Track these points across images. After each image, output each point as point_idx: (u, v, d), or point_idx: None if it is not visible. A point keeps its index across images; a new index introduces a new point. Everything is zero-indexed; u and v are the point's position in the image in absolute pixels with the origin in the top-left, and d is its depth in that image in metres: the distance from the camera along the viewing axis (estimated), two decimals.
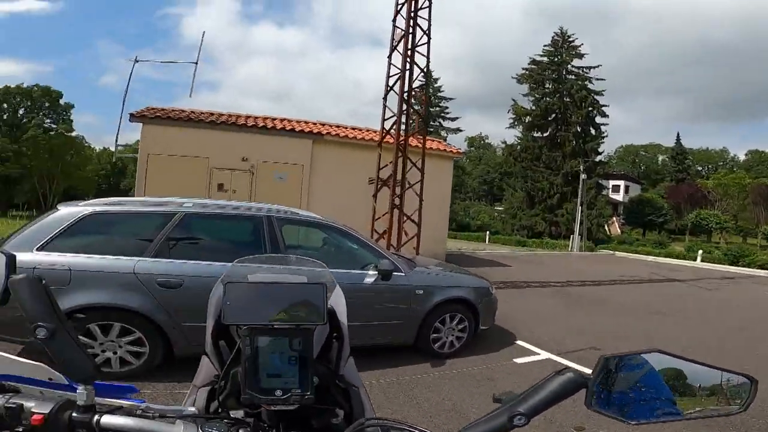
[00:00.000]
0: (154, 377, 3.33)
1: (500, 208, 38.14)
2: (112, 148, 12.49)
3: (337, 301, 0.99)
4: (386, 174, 9.58)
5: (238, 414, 0.81)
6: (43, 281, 0.67)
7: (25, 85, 37.77)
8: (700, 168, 61.56)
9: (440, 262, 6.25)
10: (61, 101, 39.45)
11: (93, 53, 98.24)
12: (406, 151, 9.42)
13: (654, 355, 0.63)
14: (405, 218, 9.36)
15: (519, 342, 5.16)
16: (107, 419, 0.63)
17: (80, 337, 2.93)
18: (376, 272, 3.72)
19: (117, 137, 11.26)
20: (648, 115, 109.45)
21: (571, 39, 31.07)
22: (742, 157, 65.34)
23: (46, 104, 38.53)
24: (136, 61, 12.57)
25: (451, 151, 13.41)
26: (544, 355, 4.80)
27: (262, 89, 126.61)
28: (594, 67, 30.54)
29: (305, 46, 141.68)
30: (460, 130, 40.14)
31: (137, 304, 3.24)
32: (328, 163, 11.21)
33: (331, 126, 12.18)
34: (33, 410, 0.61)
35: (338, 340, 0.96)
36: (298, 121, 11.97)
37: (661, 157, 64.26)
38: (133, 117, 10.20)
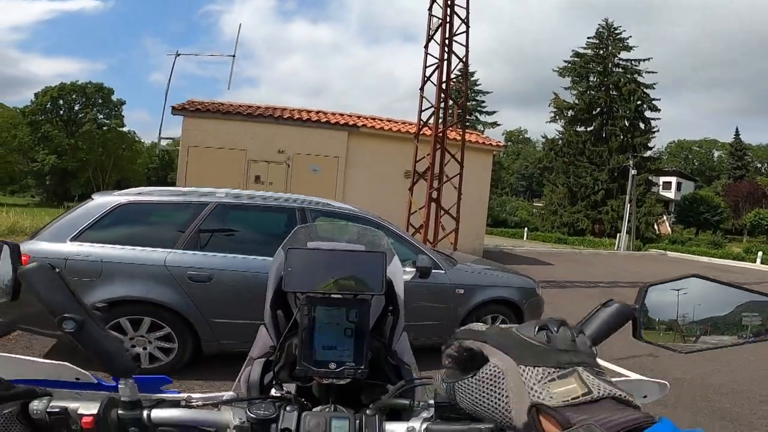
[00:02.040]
0: (179, 375, 3.23)
1: (539, 205, 37.29)
2: (162, 143, 13.06)
3: (395, 273, 0.91)
4: (423, 167, 9.41)
5: (291, 387, 0.80)
6: (57, 270, 0.61)
7: (79, 82, 40.00)
8: (760, 165, 57.56)
9: (479, 258, 5.93)
10: (113, 98, 41.55)
11: (141, 52, 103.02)
12: (444, 143, 9.18)
13: (692, 281, 0.63)
14: (442, 212, 9.11)
15: None
16: (157, 413, 0.60)
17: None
18: (414, 269, 3.47)
19: (160, 129, 11.77)
20: (702, 110, 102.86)
21: (617, 31, 30.09)
22: None
23: (100, 100, 40.64)
24: (178, 55, 13.03)
25: (491, 143, 13.14)
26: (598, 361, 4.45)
27: (299, 85, 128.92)
28: (644, 60, 29.37)
29: (339, 42, 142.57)
30: (498, 125, 39.76)
31: (168, 298, 3.16)
32: (363, 155, 11.23)
33: (366, 118, 12.19)
34: (80, 412, 0.57)
35: (393, 314, 0.90)
36: (333, 114, 12.04)
37: (716, 153, 60.59)
38: (175, 110, 10.61)
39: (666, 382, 0.84)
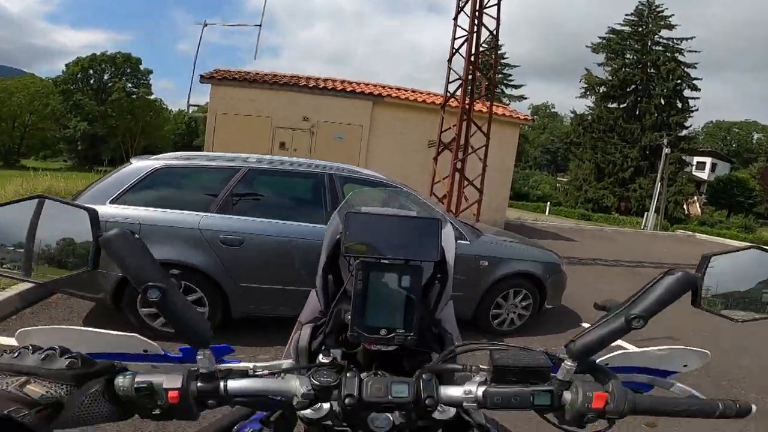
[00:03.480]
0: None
1: (563, 179, 36.69)
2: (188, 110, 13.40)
3: (448, 240, 0.90)
4: (447, 138, 9.32)
5: (337, 353, 0.79)
6: (137, 236, 0.60)
7: (108, 53, 40.84)
8: None
9: (501, 230, 5.89)
10: (141, 67, 42.25)
11: (166, 22, 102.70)
12: (471, 115, 9.03)
13: (751, 252, 0.66)
14: (466, 183, 9.05)
15: (585, 325, 4.73)
16: (233, 384, 0.61)
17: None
18: None
19: (189, 97, 12.02)
20: (745, 92, 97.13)
21: (659, 9, 28.90)
22: None
23: (128, 70, 41.55)
24: (205, 24, 13.09)
25: (518, 117, 12.84)
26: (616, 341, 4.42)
27: (321, 53, 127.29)
28: (686, 39, 28.23)
29: (362, 11, 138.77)
30: (524, 98, 38.70)
31: (200, 262, 3.23)
32: (387, 124, 11.22)
33: (391, 88, 12.06)
34: (165, 386, 0.57)
35: (441, 282, 0.89)
36: (358, 83, 11.96)
37: (756, 135, 58.38)
38: (203, 78, 10.75)
39: (707, 351, 0.85)
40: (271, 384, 0.64)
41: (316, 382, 0.61)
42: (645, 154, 26.30)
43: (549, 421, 0.67)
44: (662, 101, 27.31)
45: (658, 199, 20.70)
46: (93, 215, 0.60)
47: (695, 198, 32.24)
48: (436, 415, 0.66)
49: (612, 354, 0.80)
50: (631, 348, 0.79)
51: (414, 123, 11.14)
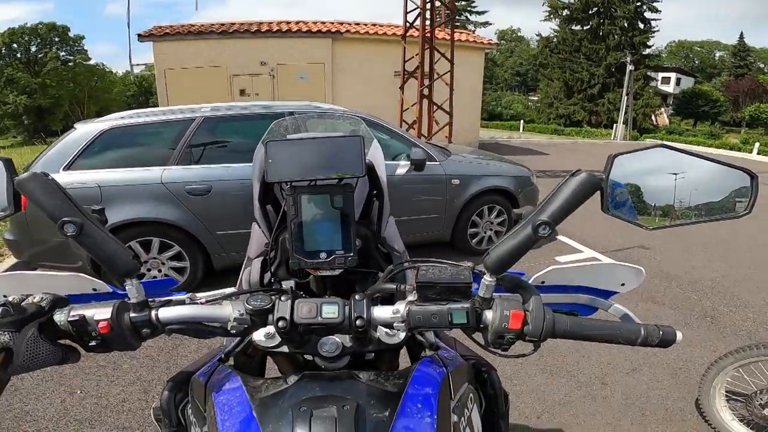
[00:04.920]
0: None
1: (534, 98, 37.10)
2: (136, 70, 13.27)
3: (376, 156, 0.90)
4: (412, 67, 9.25)
5: (290, 284, 0.80)
6: (51, 176, 0.61)
7: (29, 25, 37.58)
8: (762, 65, 57.30)
9: (475, 149, 5.92)
10: (70, 34, 39.12)
11: None
12: (433, 42, 8.84)
13: (659, 151, 0.61)
14: (435, 108, 9.08)
15: (561, 238, 4.91)
16: (164, 312, 0.61)
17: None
18: (408, 162, 3.48)
19: (130, 57, 11.68)
20: (705, 13, 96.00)
21: None
22: None
23: (56, 39, 38.48)
24: None
25: (482, 42, 12.86)
26: (588, 252, 4.55)
27: None
28: None
29: None
30: (489, 24, 37.89)
31: (170, 215, 3.19)
32: (350, 60, 11.10)
33: (350, 24, 11.77)
34: (96, 318, 0.59)
35: (378, 198, 0.89)
36: (314, 22, 11.63)
37: (718, 54, 60.72)
38: (142, 37, 10.32)
39: (641, 268, 0.82)
40: (204, 310, 0.63)
41: (249, 306, 0.61)
42: (611, 72, 26.85)
43: (477, 343, 0.65)
44: (625, 23, 27.76)
45: (625, 112, 21.18)
46: (7, 162, 0.62)
47: (662, 110, 33.08)
48: (385, 338, 0.64)
49: (547, 270, 0.77)
50: (570, 264, 0.74)
51: (379, 56, 11.06)
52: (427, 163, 3.52)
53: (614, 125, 21.83)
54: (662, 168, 0.62)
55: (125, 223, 3.12)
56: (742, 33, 54.53)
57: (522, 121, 25.11)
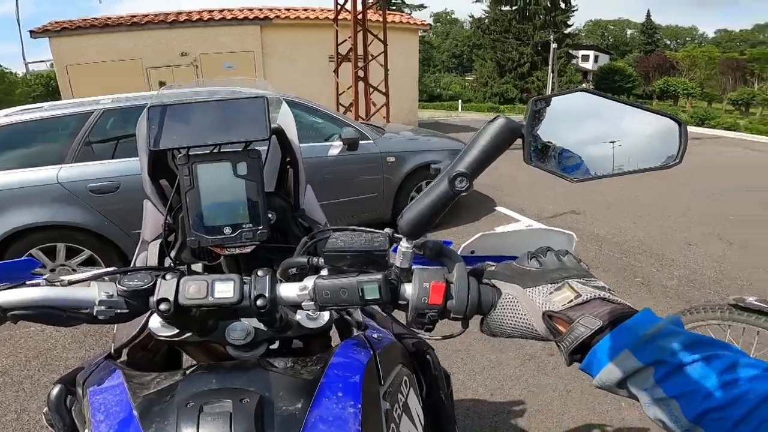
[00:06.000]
0: None
1: (470, 78, 38.17)
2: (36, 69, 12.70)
3: (286, 120, 0.81)
4: (345, 50, 9.09)
5: (198, 268, 0.72)
6: None
7: None
8: (668, 42, 63.87)
9: (414, 128, 5.97)
10: None
11: None
12: (365, 24, 8.69)
13: (582, 96, 0.55)
14: (372, 90, 8.98)
15: (499, 208, 4.98)
16: (6, 296, 0.49)
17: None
18: (341, 142, 3.33)
19: (23, 55, 10.97)
20: None
21: None
22: (710, 35, 68.32)
23: None
24: None
25: (415, 23, 12.92)
26: (525, 221, 4.65)
27: None
28: None
29: None
30: (424, 7, 38.31)
31: (73, 218, 2.90)
32: (281, 46, 10.73)
33: (279, 10, 11.29)
34: None
35: (293, 166, 0.81)
36: (241, 10, 11.07)
37: (629, 32, 65.81)
38: (35, 33, 9.61)
39: (572, 233, 0.77)
40: (62, 293, 0.51)
41: (122, 287, 0.50)
42: (538, 50, 28.15)
43: (398, 323, 0.58)
44: (548, 3, 29.05)
45: (552, 88, 22.53)
46: None
47: (584, 85, 35.56)
48: (306, 322, 0.58)
49: (475, 237, 0.68)
50: (502, 229, 0.68)
51: (312, 41, 10.75)
52: (361, 142, 3.43)
53: None
54: (586, 115, 0.56)
55: (21, 230, 2.81)
56: (648, 11, 59.49)
57: (460, 101, 25.73)
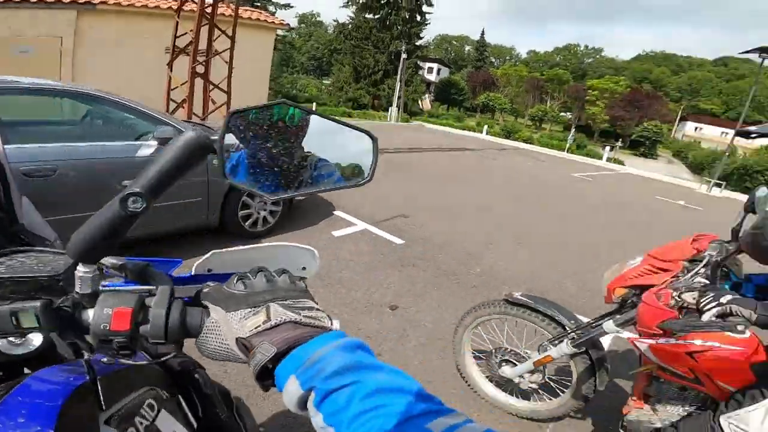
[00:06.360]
0: None
1: (327, 82, 38.08)
2: None
3: None
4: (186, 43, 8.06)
5: None
6: None
7: None
8: (494, 60, 70.95)
9: None
10: None
11: None
12: (214, 18, 7.83)
13: (281, 109, 0.51)
14: (212, 87, 8.11)
15: (338, 212, 4.90)
16: None
17: None
18: (156, 142, 2.90)
19: None
20: (467, 10, 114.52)
21: None
22: (523, 55, 79.02)
23: None
24: None
25: (273, 21, 12.12)
26: (361, 225, 4.60)
27: None
28: None
29: None
30: (291, 6, 36.36)
31: None
32: (104, 34, 9.22)
33: None
34: None
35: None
36: None
37: (467, 48, 72.34)
38: None
39: (313, 249, 0.72)
40: None
41: None
42: (392, 60, 28.97)
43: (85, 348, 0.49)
44: (407, 14, 29.83)
45: (399, 96, 23.61)
46: None
47: (426, 96, 38.42)
48: (7, 348, 0.51)
49: (208, 255, 0.61)
50: (240, 246, 0.61)
51: (145, 31, 9.49)
52: None
53: (389, 108, 24.11)
54: (287, 129, 0.52)
55: None
56: (483, 30, 65.75)
57: (315, 104, 25.17)
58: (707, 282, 1.37)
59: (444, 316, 2.98)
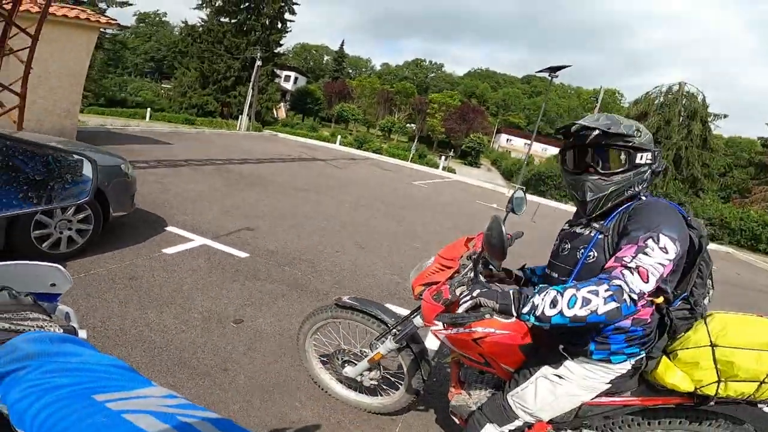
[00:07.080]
0: None
1: (168, 86, 34.67)
2: None
3: None
4: None
5: None
6: None
7: None
8: (351, 71, 72.51)
9: (63, 139, 4.85)
10: None
11: None
12: (13, 15, 6.51)
13: None
14: (1, 88, 6.75)
15: (170, 228, 4.44)
16: None
17: None
18: None
19: None
20: (328, 22, 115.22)
21: None
22: (378, 67, 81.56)
23: None
24: None
25: (97, 20, 10.37)
26: (198, 240, 4.24)
27: None
28: None
29: None
30: (129, 4, 31.21)
31: None
32: None
33: None
34: None
35: None
36: None
37: (326, 58, 72.28)
38: None
39: (57, 266, 0.72)
40: None
41: None
42: (246, 66, 27.55)
43: None
44: (267, 21, 28.63)
45: (250, 104, 22.65)
46: None
47: (282, 104, 37.64)
48: None
49: None
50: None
51: None
52: None
53: (239, 116, 22.94)
54: None
55: None
56: (343, 41, 66.65)
57: (149, 109, 22.05)
58: (473, 277, 1.47)
59: (293, 325, 2.94)
